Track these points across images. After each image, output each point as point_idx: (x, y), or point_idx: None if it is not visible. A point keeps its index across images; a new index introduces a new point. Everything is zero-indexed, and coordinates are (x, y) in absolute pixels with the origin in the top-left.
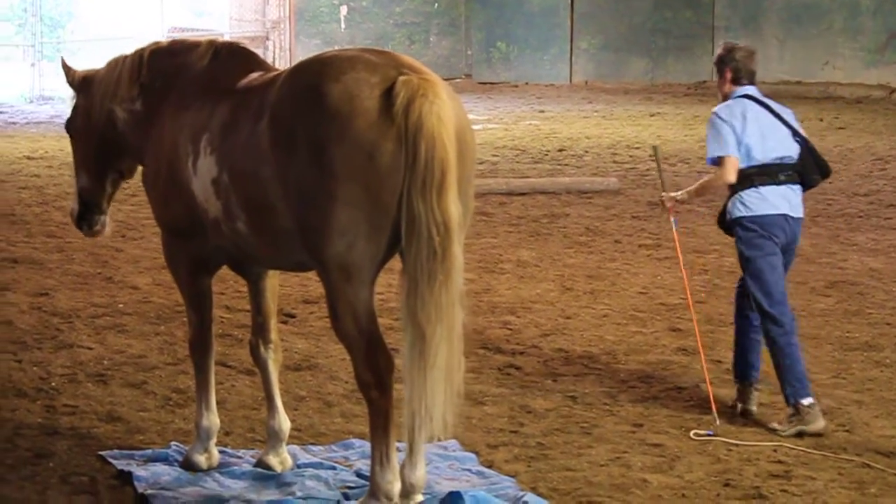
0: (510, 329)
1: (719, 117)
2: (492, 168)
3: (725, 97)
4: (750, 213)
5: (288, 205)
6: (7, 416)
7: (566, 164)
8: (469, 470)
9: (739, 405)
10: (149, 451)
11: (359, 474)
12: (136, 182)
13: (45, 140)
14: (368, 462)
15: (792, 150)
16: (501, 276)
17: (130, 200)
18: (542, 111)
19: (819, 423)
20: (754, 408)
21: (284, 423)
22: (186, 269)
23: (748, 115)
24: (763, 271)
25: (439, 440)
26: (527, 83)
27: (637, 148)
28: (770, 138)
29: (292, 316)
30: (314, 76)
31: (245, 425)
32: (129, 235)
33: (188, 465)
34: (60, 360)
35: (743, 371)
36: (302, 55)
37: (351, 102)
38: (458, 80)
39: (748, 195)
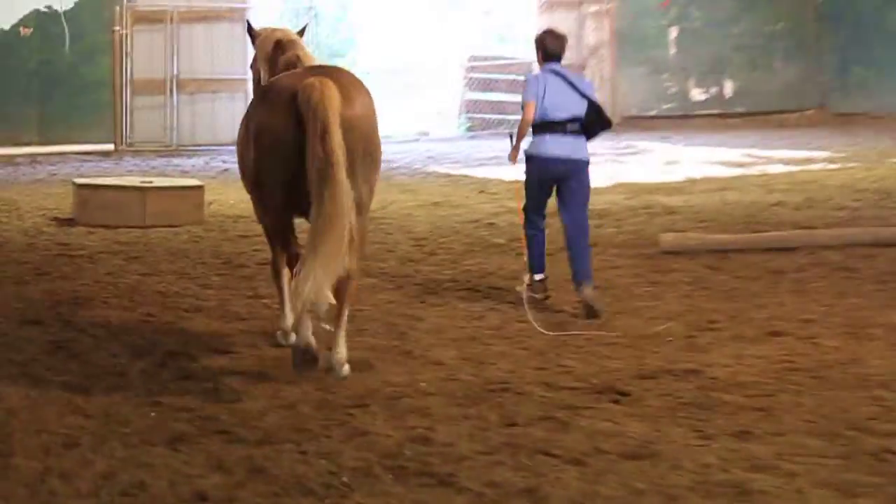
0: (884, 406)
1: (528, 80)
2: (853, 215)
3: (541, 66)
4: (532, 152)
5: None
6: None
7: None
8: None
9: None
10: None
11: None
12: (434, 242)
13: None
14: None
15: (577, 111)
16: (871, 344)
17: (428, 260)
18: None
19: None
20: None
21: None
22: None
23: (547, 83)
24: (530, 190)
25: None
26: (890, 114)
27: None
28: (559, 102)
29: (626, 394)
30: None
31: None
32: (430, 301)
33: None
34: (352, 451)
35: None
36: (626, 84)
37: (272, 105)
38: (809, 112)
39: (535, 139)
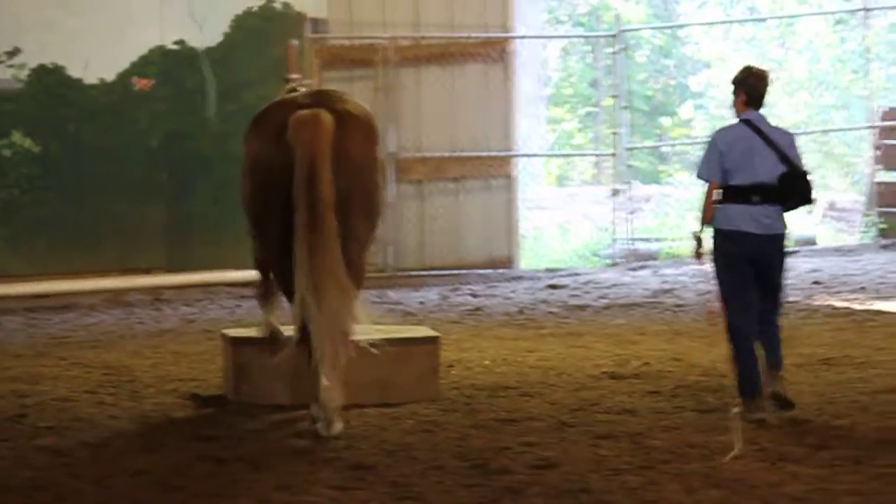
0: None
1: (714, 141)
2: None
3: (738, 115)
4: (719, 226)
5: None
6: None
7: None
8: None
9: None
10: None
11: None
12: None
13: (642, 340)
14: None
15: (771, 175)
16: None
17: (810, 460)
18: None
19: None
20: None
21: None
22: None
23: (737, 143)
24: (721, 276)
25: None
26: None
27: None
28: (749, 164)
29: None
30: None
31: None
32: None
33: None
34: None
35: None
36: None
37: (263, 137)
38: None
39: (720, 211)
